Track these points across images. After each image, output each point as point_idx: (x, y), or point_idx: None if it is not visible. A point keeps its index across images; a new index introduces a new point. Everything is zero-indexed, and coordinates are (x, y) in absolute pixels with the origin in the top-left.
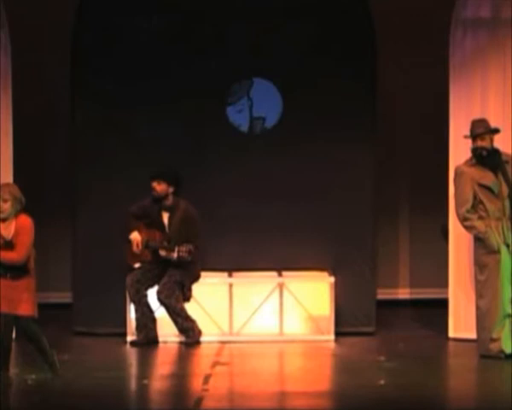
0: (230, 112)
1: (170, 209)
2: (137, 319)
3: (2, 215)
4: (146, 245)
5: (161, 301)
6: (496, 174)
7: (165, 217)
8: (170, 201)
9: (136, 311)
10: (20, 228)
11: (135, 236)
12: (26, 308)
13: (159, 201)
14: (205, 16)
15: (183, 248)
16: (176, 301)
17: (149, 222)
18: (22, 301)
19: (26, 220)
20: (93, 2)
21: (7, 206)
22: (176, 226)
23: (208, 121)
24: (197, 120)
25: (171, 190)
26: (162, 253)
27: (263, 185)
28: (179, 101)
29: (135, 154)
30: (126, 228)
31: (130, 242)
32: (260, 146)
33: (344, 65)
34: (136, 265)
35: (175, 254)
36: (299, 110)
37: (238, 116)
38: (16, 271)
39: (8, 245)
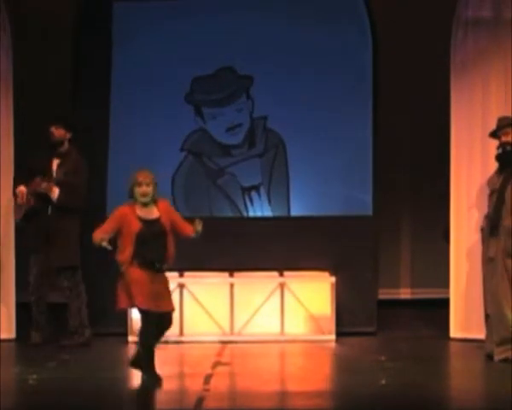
0: (230, 111)
1: (62, 156)
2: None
3: (145, 199)
4: (31, 193)
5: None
6: (500, 174)
7: (55, 164)
8: (64, 147)
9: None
10: (168, 209)
11: (21, 188)
12: (172, 304)
13: (54, 147)
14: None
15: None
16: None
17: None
18: (170, 296)
19: (166, 202)
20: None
21: (149, 190)
22: (63, 174)
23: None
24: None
25: (68, 136)
26: (43, 185)
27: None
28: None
29: (136, 155)
30: (14, 184)
31: (15, 195)
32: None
33: (344, 66)
34: (18, 216)
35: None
36: (297, 112)
37: (238, 115)
38: (164, 262)
39: (157, 225)
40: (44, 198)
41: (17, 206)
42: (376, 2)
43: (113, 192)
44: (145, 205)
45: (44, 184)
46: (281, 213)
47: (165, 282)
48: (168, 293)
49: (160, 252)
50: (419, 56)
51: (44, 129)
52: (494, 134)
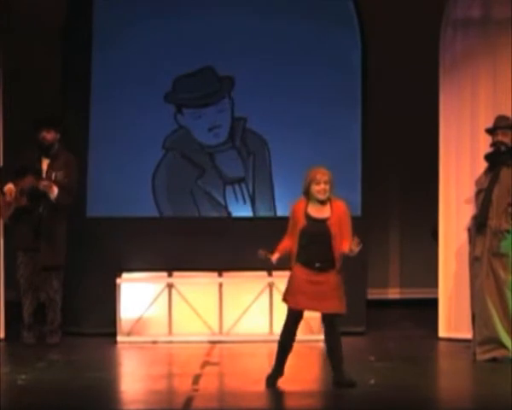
0: (211, 112)
1: (52, 156)
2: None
3: (322, 198)
4: (21, 191)
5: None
6: (488, 173)
7: (45, 163)
8: (55, 149)
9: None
10: (340, 212)
11: (9, 186)
12: (337, 306)
13: (45, 149)
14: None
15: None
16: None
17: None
18: (336, 297)
19: (343, 205)
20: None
21: (327, 188)
22: (55, 171)
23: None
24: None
25: (57, 137)
26: (43, 183)
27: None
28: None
29: (130, 152)
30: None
31: (4, 194)
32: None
33: (332, 66)
34: (7, 214)
35: (54, 176)
36: (283, 112)
37: (219, 116)
38: (327, 262)
39: (322, 225)
40: (38, 196)
41: (4, 204)
42: (367, 2)
43: (92, 190)
44: (320, 203)
45: (45, 182)
46: (265, 213)
47: (331, 283)
48: (333, 294)
49: (322, 252)
50: (408, 55)
51: (34, 130)
52: (491, 131)
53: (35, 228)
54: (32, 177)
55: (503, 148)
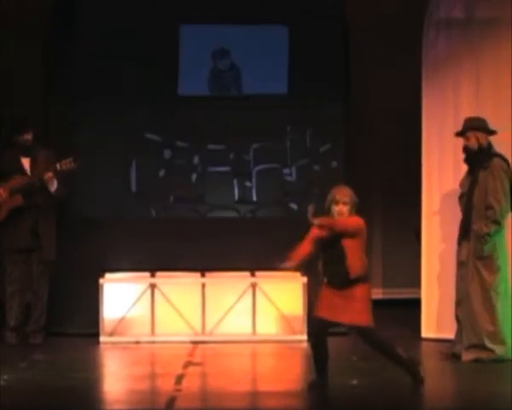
0: None
1: (30, 155)
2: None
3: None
4: (12, 191)
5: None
6: (469, 176)
7: (26, 163)
8: (35, 147)
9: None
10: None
11: None
12: (355, 318)
13: (26, 150)
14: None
15: (65, 161)
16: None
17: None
18: (355, 310)
19: (358, 220)
20: None
21: (346, 209)
22: (41, 167)
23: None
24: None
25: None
26: (48, 175)
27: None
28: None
29: (115, 152)
30: None
31: None
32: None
33: (316, 68)
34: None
35: (58, 167)
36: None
37: None
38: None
39: (336, 241)
40: (32, 193)
41: None
42: (350, 3)
43: (77, 191)
44: None
45: (50, 174)
46: (247, 213)
47: (353, 295)
48: (353, 306)
49: (335, 267)
50: (392, 56)
51: (13, 133)
52: (461, 134)
53: (33, 226)
54: (19, 176)
55: (469, 151)
